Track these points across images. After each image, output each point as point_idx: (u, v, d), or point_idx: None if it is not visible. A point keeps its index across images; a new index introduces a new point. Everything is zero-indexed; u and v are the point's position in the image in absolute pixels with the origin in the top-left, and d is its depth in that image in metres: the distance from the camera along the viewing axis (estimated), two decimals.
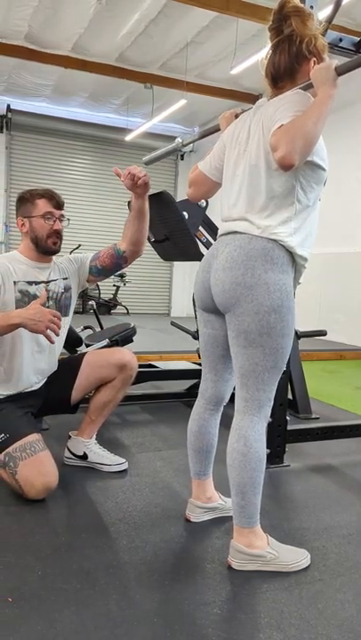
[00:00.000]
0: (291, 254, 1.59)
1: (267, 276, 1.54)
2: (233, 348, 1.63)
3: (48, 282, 2.26)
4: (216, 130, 2.08)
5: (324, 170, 1.61)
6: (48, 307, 2.24)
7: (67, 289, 2.33)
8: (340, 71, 1.48)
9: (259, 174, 1.59)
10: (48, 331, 1.93)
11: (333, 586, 1.56)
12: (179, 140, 2.51)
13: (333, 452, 2.76)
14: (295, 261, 1.61)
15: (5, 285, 2.14)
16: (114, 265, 2.39)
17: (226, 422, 1.93)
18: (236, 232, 1.62)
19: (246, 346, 1.58)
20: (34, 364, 2.24)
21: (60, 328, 1.97)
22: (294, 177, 1.55)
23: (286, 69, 1.64)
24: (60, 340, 2.32)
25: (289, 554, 1.65)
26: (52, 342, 2.00)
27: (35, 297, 2.19)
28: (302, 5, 1.66)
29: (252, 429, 1.59)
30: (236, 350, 1.62)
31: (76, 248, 8.57)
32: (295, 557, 1.65)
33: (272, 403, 1.65)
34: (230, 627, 1.36)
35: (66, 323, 2.35)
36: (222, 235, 1.70)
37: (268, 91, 1.71)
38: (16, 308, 2.15)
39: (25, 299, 2.18)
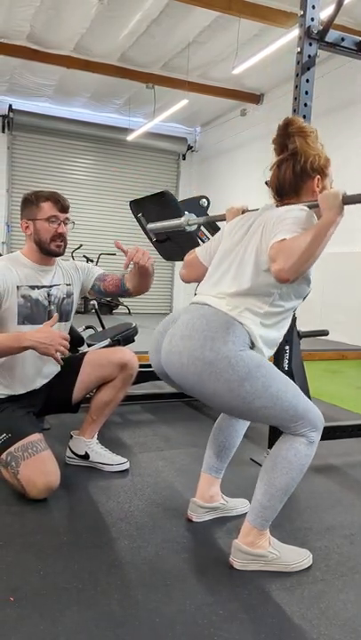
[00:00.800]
0: (251, 341, 1.56)
1: (226, 349, 1.49)
2: (241, 418, 1.63)
3: (50, 286, 2.26)
4: (222, 219, 2.15)
5: (308, 285, 1.64)
6: (50, 311, 2.24)
7: (69, 295, 2.33)
8: (347, 201, 1.51)
9: (245, 270, 1.61)
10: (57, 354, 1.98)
11: (336, 586, 1.56)
12: (184, 219, 2.67)
13: (335, 452, 2.75)
14: (253, 347, 1.58)
15: (9, 291, 2.13)
16: (116, 294, 2.41)
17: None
18: (205, 304, 1.63)
19: (251, 415, 1.58)
20: (36, 367, 2.24)
21: (68, 349, 2.00)
22: (277, 286, 1.57)
23: (291, 186, 1.69)
24: None
25: (291, 554, 1.65)
26: (59, 363, 2.02)
27: (37, 302, 2.19)
28: (306, 125, 1.71)
29: (306, 445, 1.59)
30: (246, 419, 1.61)
31: (78, 248, 8.57)
32: (297, 557, 1.65)
33: (314, 412, 1.60)
34: (232, 627, 1.36)
35: (66, 327, 2.36)
36: (191, 303, 1.71)
37: (273, 201, 1.75)
38: (18, 312, 2.15)
39: (27, 304, 2.17)
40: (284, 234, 1.45)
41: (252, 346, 1.57)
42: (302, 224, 1.50)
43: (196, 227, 2.78)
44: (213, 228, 3.39)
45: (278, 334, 1.65)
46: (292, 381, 1.59)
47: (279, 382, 1.54)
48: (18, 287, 2.16)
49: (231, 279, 1.63)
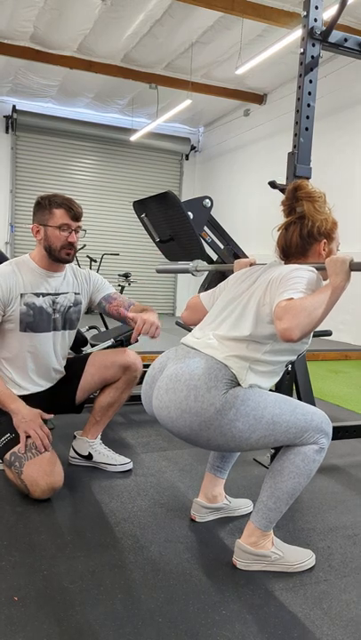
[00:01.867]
0: (237, 381, 1.54)
1: (210, 396, 1.48)
2: (246, 451, 1.63)
3: (57, 294, 2.25)
4: (230, 269, 2.18)
5: (305, 344, 1.64)
6: (54, 319, 2.24)
7: (76, 304, 2.32)
8: (355, 268, 1.51)
9: (247, 318, 1.60)
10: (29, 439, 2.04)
11: (338, 586, 1.56)
12: (192, 264, 2.74)
13: (339, 452, 2.75)
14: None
15: (12, 299, 2.13)
16: (116, 319, 2.42)
17: None
18: (193, 348, 1.63)
19: (254, 447, 1.56)
20: (43, 370, 2.27)
21: (43, 440, 2.05)
22: (273, 338, 1.57)
23: (298, 248, 1.72)
24: (64, 352, 2.35)
25: (294, 554, 1.65)
26: (23, 442, 2.04)
27: (41, 309, 2.19)
28: (314, 190, 1.72)
29: (316, 451, 1.58)
30: (252, 450, 1.61)
31: (81, 248, 8.57)
32: (300, 558, 1.65)
33: (318, 419, 1.59)
34: (235, 627, 1.36)
35: (70, 335, 2.36)
36: (182, 344, 1.71)
37: (279, 259, 1.78)
38: (20, 320, 2.15)
39: (30, 311, 2.17)
40: (292, 293, 1.45)
41: (238, 384, 1.54)
42: (311, 285, 1.50)
43: (202, 274, 2.83)
44: (217, 229, 3.40)
45: (267, 384, 1.62)
46: (286, 398, 1.58)
47: (272, 407, 1.53)
48: (22, 295, 2.15)
49: (230, 325, 1.63)
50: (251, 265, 1.93)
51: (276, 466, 1.60)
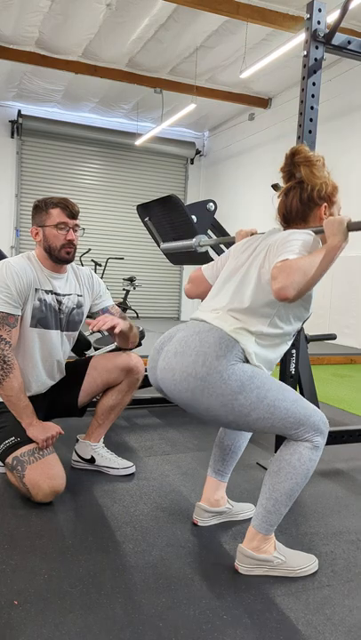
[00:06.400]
0: (245, 357, 1.56)
1: (218, 364, 1.49)
2: (240, 430, 1.63)
3: (62, 295, 2.25)
4: (232, 241, 2.20)
5: (307, 310, 1.65)
6: (60, 319, 2.25)
7: (79, 306, 2.32)
8: (352, 228, 1.51)
9: (247, 289, 1.62)
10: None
11: (341, 592, 1.55)
12: (195, 240, 2.76)
13: (343, 456, 2.74)
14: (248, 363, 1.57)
15: (30, 293, 2.14)
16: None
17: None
18: (202, 320, 1.64)
19: (250, 427, 1.56)
20: (48, 371, 2.27)
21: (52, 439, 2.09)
22: (275, 306, 1.58)
23: (298, 213, 1.71)
24: (66, 353, 2.35)
25: (297, 559, 1.64)
26: (41, 446, 2.06)
27: (50, 306, 2.20)
28: (312, 154, 1.71)
29: (311, 449, 1.57)
30: (247, 431, 1.61)
31: (86, 252, 8.60)
32: (303, 563, 1.64)
33: (316, 416, 1.59)
34: (236, 632, 1.35)
35: (73, 337, 2.37)
36: (191, 319, 1.72)
37: (280, 226, 1.78)
38: (32, 315, 2.16)
39: (42, 307, 2.18)
40: (288, 254, 1.45)
41: (247, 361, 1.56)
42: (307, 247, 1.51)
43: (206, 248, 2.83)
44: (221, 233, 3.39)
45: (274, 356, 1.64)
46: (290, 388, 1.59)
47: (275, 391, 1.54)
48: (36, 289, 2.17)
49: (232, 297, 1.64)
50: (252, 234, 1.92)
51: (273, 467, 1.59)
